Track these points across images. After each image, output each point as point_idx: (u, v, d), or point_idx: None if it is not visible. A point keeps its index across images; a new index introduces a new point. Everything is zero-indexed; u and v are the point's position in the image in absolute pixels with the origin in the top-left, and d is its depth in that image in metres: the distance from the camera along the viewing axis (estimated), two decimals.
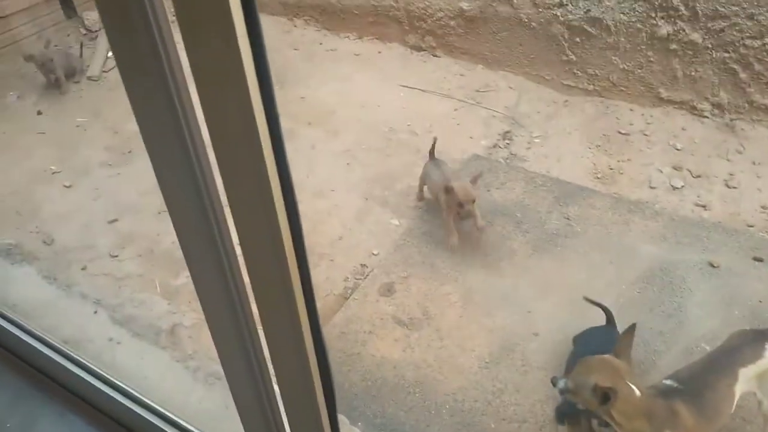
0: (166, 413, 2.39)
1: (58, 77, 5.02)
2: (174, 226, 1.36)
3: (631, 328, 2.35)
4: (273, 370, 1.59)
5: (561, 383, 2.40)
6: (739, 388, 2.41)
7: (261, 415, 1.77)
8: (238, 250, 1.32)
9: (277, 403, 1.72)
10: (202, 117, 1.08)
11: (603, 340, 2.86)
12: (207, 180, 1.26)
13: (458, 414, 2.95)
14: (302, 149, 4.51)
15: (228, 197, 1.23)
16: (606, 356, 2.32)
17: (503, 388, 3.03)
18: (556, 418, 2.86)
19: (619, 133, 4.43)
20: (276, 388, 1.64)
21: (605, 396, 2.18)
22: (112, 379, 2.49)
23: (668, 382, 2.40)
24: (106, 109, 4.97)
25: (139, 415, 2.39)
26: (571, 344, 3.00)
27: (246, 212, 1.27)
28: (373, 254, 3.75)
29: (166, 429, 2.35)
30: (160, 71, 1.06)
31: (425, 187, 4.01)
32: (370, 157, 4.42)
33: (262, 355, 1.60)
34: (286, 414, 1.69)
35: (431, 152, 4.00)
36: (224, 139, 1.12)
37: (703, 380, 2.36)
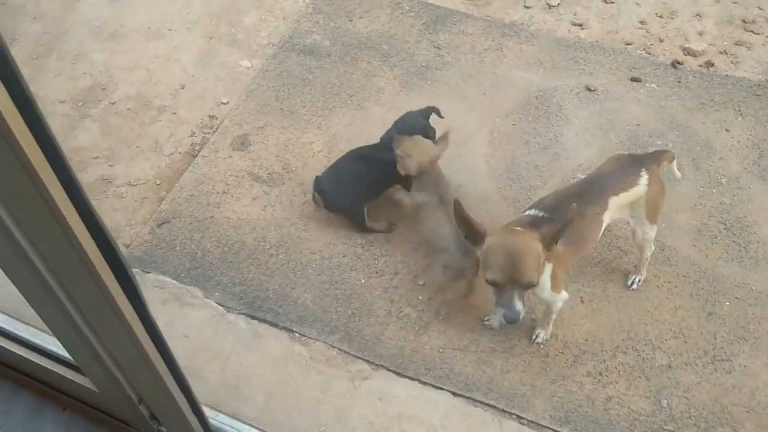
0: None
1: None
2: None
3: None
4: None
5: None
6: (608, 216, 2.26)
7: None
8: None
9: None
10: None
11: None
12: None
13: (326, 272, 2.70)
14: None
15: None
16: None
17: (373, 240, 2.79)
18: None
19: None
20: None
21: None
22: None
23: (532, 212, 2.20)
24: None
25: None
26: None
27: None
28: (222, 103, 3.27)
29: None
30: None
31: None
32: None
33: None
34: None
35: None
36: None
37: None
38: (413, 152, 2.57)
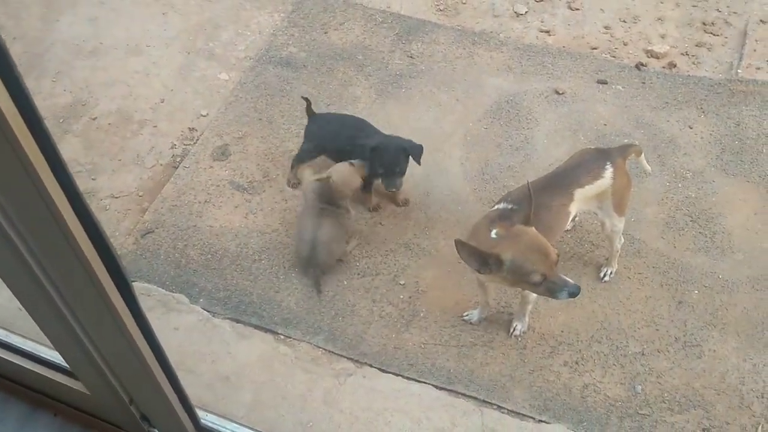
0: None
1: None
2: None
3: None
4: None
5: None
6: (575, 208, 2.35)
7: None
8: None
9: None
10: None
11: None
12: None
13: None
14: (110, 1, 3.86)
15: None
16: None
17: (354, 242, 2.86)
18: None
19: None
20: None
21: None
22: None
23: (501, 205, 2.28)
24: None
25: None
26: None
27: None
28: (202, 115, 3.34)
29: None
30: None
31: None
32: (189, 4, 3.86)
33: None
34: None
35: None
36: None
37: (537, 200, 2.25)
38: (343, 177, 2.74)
